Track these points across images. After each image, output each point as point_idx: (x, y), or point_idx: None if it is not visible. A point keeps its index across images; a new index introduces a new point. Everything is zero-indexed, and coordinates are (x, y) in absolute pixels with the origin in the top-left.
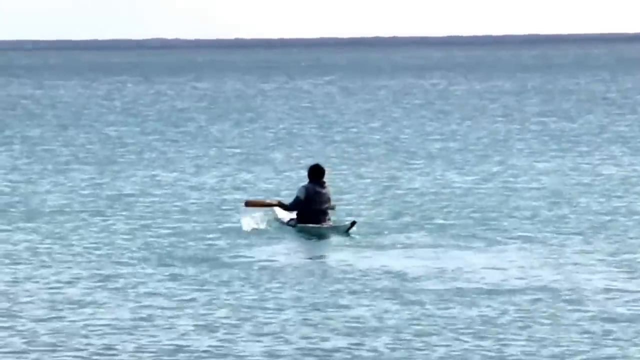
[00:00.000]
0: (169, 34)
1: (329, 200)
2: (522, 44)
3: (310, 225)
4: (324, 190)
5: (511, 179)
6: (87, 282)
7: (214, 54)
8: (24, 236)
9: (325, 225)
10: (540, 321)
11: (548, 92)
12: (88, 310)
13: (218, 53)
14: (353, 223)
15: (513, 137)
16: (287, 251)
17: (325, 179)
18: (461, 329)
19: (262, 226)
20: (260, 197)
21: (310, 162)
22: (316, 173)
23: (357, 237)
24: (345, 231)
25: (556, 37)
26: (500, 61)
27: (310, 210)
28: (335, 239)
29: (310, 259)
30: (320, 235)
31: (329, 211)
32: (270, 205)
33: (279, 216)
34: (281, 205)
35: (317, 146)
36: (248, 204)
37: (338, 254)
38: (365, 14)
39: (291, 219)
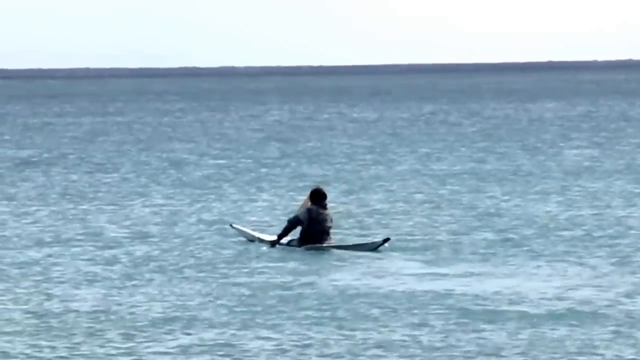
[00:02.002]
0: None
1: (331, 220)
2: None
3: (326, 244)
4: (326, 212)
5: (594, 205)
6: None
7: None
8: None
9: (330, 243)
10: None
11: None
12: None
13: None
14: (386, 240)
15: (597, 163)
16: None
17: (327, 202)
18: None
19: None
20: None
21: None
22: (318, 196)
23: (405, 256)
24: (375, 248)
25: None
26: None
27: (314, 231)
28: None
29: (354, 279)
30: (351, 253)
31: (331, 231)
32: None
33: (270, 239)
34: (278, 237)
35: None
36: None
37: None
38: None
39: (291, 240)
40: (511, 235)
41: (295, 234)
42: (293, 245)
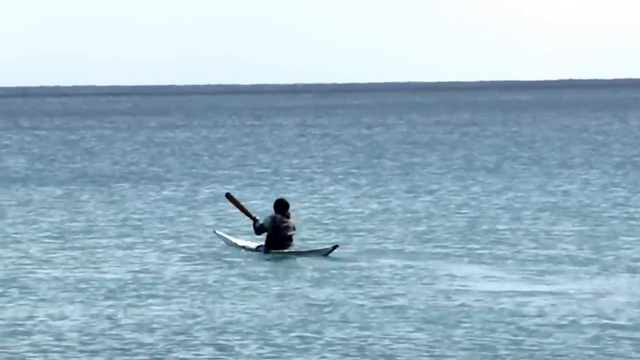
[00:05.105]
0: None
1: (293, 228)
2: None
3: (286, 250)
4: (289, 220)
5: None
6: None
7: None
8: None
9: (293, 249)
10: None
11: None
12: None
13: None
14: (335, 247)
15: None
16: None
17: (290, 211)
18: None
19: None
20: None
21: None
22: (281, 206)
23: (340, 260)
24: (326, 254)
25: None
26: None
27: (278, 237)
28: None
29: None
30: (302, 259)
31: (294, 237)
32: (245, 212)
33: (244, 245)
34: (253, 220)
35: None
36: (229, 196)
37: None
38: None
39: (259, 246)
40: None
41: (262, 240)
42: (260, 251)
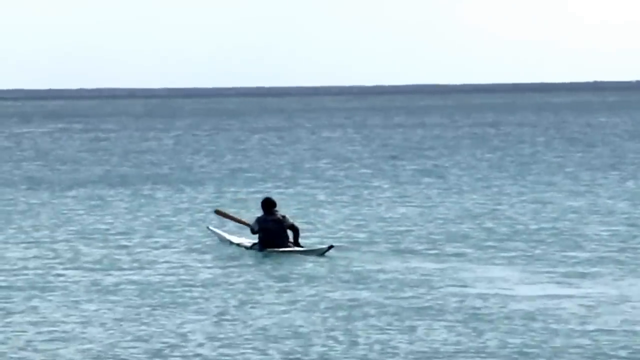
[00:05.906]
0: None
1: (282, 223)
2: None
3: (281, 250)
4: (275, 217)
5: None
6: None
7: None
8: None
9: (289, 247)
10: None
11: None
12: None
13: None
14: (330, 247)
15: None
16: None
17: (277, 209)
18: None
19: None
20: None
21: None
22: (266, 205)
23: (334, 259)
24: (322, 254)
25: None
26: None
27: (268, 236)
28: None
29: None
30: (301, 257)
31: (289, 233)
32: (240, 221)
33: (239, 243)
34: (249, 227)
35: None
36: (218, 212)
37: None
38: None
39: (254, 244)
40: None
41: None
42: (255, 249)
